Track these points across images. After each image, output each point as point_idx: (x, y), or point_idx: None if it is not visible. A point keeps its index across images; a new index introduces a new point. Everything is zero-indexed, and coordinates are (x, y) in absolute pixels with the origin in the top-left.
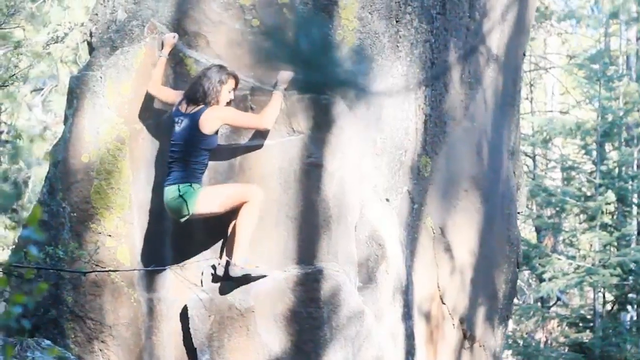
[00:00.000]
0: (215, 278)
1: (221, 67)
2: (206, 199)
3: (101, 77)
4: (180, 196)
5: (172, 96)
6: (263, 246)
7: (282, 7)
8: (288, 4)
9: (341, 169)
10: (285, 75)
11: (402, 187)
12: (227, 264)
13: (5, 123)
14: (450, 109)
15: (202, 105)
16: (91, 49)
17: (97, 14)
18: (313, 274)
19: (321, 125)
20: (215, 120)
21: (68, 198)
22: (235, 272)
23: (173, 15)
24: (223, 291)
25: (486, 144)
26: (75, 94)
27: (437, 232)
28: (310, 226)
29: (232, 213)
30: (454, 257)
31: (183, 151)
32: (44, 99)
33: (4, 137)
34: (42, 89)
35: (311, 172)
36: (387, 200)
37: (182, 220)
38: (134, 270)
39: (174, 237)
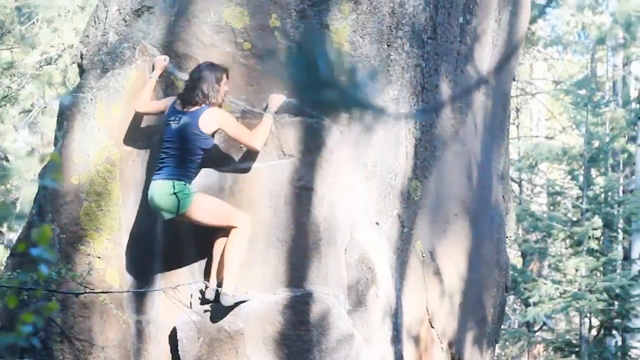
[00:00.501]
0: (203, 301)
1: (212, 65)
2: (199, 206)
3: (92, 99)
4: (175, 193)
5: (161, 105)
6: (253, 269)
7: (274, 31)
8: (280, 27)
9: (331, 193)
10: (277, 98)
11: (392, 210)
12: (217, 291)
13: None
14: (440, 133)
15: (203, 105)
16: (82, 70)
17: (88, 36)
18: (303, 297)
19: (312, 148)
20: (214, 122)
21: (57, 220)
22: (228, 301)
23: (164, 38)
24: (212, 313)
25: (476, 168)
26: (65, 115)
27: (426, 255)
28: (300, 249)
29: (217, 231)
30: (443, 280)
31: (179, 148)
32: (30, 121)
33: None
34: (31, 110)
35: (301, 195)
36: (377, 223)
37: (167, 218)
38: (125, 292)
39: (163, 259)
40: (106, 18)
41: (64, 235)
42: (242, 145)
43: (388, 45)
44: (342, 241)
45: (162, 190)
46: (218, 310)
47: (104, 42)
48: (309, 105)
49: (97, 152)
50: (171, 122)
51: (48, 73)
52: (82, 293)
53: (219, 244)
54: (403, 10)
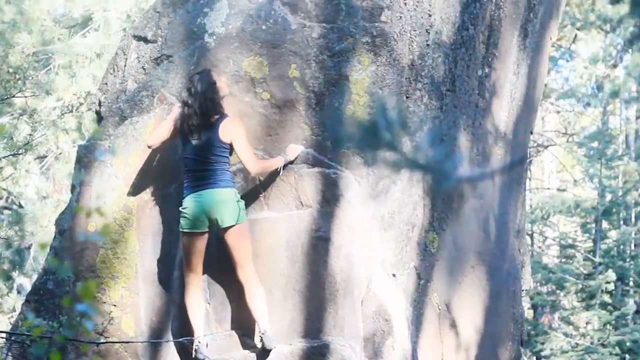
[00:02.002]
0: (223, 349)
1: (204, 74)
2: (244, 229)
3: (109, 147)
4: (237, 202)
5: (168, 126)
6: (270, 318)
7: (293, 81)
8: (299, 77)
9: (349, 244)
10: (295, 148)
11: (409, 262)
12: (263, 335)
13: (5, 190)
14: (458, 186)
15: (218, 116)
16: (100, 118)
17: (106, 84)
18: (319, 348)
19: (329, 199)
20: (230, 132)
21: (73, 267)
22: (272, 343)
23: (183, 86)
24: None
25: (493, 221)
26: (82, 162)
27: (442, 308)
28: (317, 300)
29: (232, 273)
30: (459, 333)
31: (209, 161)
32: (43, 167)
33: (3, 203)
34: (46, 156)
35: (318, 245)
36: (394, 275)
37: (224, 226)
38: (143, 342)
39: (179, 307)
40: (125, 66)
41: (79, 283)
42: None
43: (407, 97)
44: (358, 292)
45: (223, 196)
46: (259, 354)
47: (122, 89)
48: (327, 156)
49: (114, 199)
50: (191, 139)
51: (63, 119)
52: (102, 343)
53: (194, 301)
54: (422, 63)
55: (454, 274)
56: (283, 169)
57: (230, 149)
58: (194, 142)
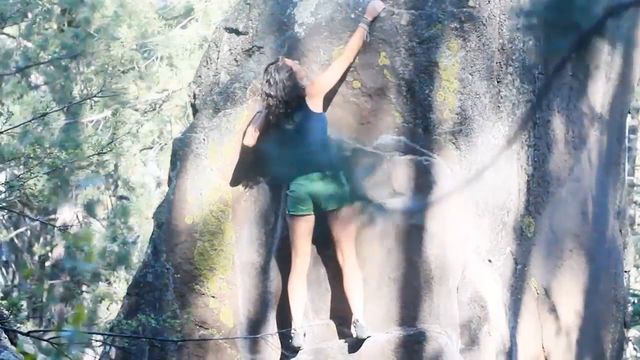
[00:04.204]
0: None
1: (278, 63)
2: (350, 211)
3: (204, 139)
4: (343, 185)
5: (263, 122)
6: (366, 307)
7: (383, 69)
8: (389, 65)
9: (442, 231)
10: (372, 7)
11: (504, 247)
12: (355, 324)
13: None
14: (553, 169)
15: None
16: (195, 110)
17: (200, 76)
18: (415, 335)
19: (422, 186)
20: (316, 95)
21: (172, 259)
22: (364, 332)
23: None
24: (325, 353)
25: (591, 204)
26: (178, 155)
27: (541, 292)
28: (412, 288)
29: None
30: (559, 317)
31: (310, 143)
32: (148, 158)
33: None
34: (151, 147)
35: (413, 233)
36: (490, 261)
37: (331, 208)
38: (231, 338)
39: (276, 297)
40: (218, 58)
41: (178, 275)
42: None
43: (498, 82)
44: (453, 279)
45: (328, 179)
46: (353, 343)
47: (215, 82)
48: (419, 143)
49: (210, 191)
50: (287, 125)
51: (167, 110)
52: (181, 341)
53: (297, 289)
54: (513, 47)
55: (552, 257)
56: (370, 34)
57: (325, 120)
58: (289, 127)
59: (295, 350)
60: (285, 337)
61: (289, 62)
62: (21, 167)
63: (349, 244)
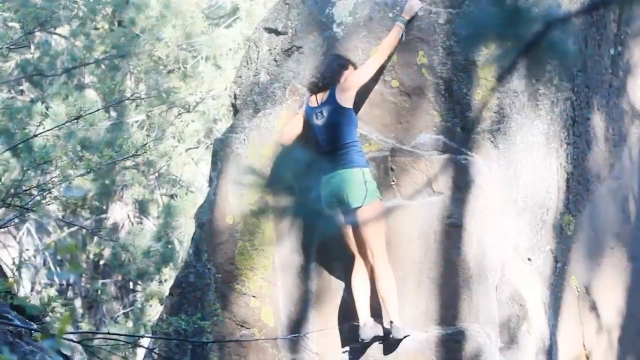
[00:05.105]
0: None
1: (339, 56)
2: (374, 210)
3: (244, 139)
4: (366, 183)
5: (300, 121)
6: (404, 307)
7: (421, 68)
8: (427, 64)
9: (481, 229)
10: (413, 3)
11: (544, 246)
12: (391, 325)
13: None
14: (593, 167)
15: (331, 87)
16: (235, 110)
17: (240, 77)
18: (454, 334)
19: (461, 185)
20: (348, 90)
21: (213, 259)
22: (401, 333)
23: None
24: (364, 352)
25: (632, 202)
26: (219, 155)
27: (581, 290)
28: (450, 287)
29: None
30: (600, 315)
31: (339, 137)
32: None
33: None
34: (197, 147)
35: (451, 232)
36: (529, 259)
37: (353, 207)
38: (265, 339)
39: (316, 297)
40: (257, 58)
41: (219, 275)
42: None
43: (537, 80)
44: (492, 278)
45: (350, 177)
46: (390, 343)
47: (255, 82)
48: (457, 142)
49: (250, 191)
50: (315, 119)
51: (212, 110)
52: (210, 342)
53: (359, 281)
54: None
55: (592, 255)
56: (406, 34)
57: (354, 117)
58: (319, 122)
59: (365, 345)
60: (345, 333)
61: (337, 57)
62: (60, 167)
63: (377, 242)
